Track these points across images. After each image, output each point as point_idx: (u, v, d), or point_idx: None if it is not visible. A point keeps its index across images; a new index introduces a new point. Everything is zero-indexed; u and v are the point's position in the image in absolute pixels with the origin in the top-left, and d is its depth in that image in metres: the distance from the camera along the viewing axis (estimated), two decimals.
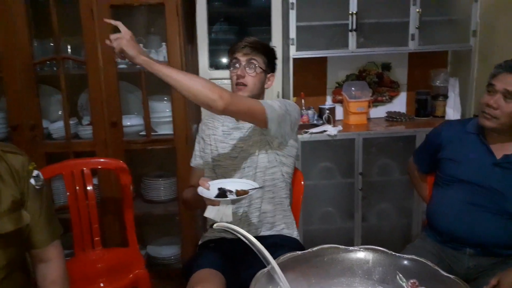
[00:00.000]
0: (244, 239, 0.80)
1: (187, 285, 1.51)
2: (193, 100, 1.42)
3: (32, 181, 1.27)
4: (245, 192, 1.39)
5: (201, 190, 1.42)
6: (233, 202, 1.38)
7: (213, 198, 1.37)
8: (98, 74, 2.36)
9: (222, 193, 1.40)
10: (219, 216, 1.36)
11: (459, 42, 2.80)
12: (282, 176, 1.73)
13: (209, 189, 1.44)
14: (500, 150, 1.61)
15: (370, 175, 2.77)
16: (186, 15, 2.53)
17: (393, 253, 0.85)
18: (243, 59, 1.68)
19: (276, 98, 1.76)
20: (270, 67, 1.75)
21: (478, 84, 2.78)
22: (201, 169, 1.81)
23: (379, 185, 2.81)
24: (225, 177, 1.64)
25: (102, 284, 1.83)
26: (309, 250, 0.86)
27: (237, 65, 1.69)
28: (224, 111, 1.42)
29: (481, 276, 1.60)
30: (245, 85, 1.67)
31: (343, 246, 0.87)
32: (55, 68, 2.43)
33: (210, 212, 1.37)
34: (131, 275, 1.88)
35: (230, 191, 1.42)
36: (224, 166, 1.73)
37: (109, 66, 2.36)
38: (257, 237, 0.82)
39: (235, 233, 0.81)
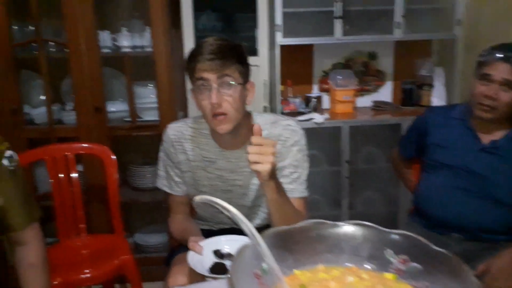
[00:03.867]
0: (226, 212, 0.77)
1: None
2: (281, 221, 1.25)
3: (5, 161, 1.20)
4: None
5: (192, 260, 1.21)
6: None
7: (213, 276, 1.18)
8: (80, 58, 2.31)
9: (220, 264, 1.23)
10: None
11: (443, 31, 2.80)
12: None
13: (201, 253, 1.24)
14: (487, 136, 1.60)
15: (357, 163, 2.78)
16: None
17: (382, 228, 0.83)
18: (213, 78, 1.23)
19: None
20: (246, 74, 1.32)
21: (463, 74, 2.80)
22: (184, 196, 1.54)
23: (365, 173, 2.82)
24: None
25: (87, 271, 1.79)
26: (295, 225, 0.85)
27: (206, 90, 1.25)
28: None
29: (468, 262, 1.61)
30: (225, 114, 1.27)
31: (330, 222, 0.86)
32: (35, 52, 2.36)
33: None
34: (116, 261, 1.85)
35: (229, 255, 1.25)
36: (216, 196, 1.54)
37: (92, 51, 2.31)
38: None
39: (217, 206, 0.78)
